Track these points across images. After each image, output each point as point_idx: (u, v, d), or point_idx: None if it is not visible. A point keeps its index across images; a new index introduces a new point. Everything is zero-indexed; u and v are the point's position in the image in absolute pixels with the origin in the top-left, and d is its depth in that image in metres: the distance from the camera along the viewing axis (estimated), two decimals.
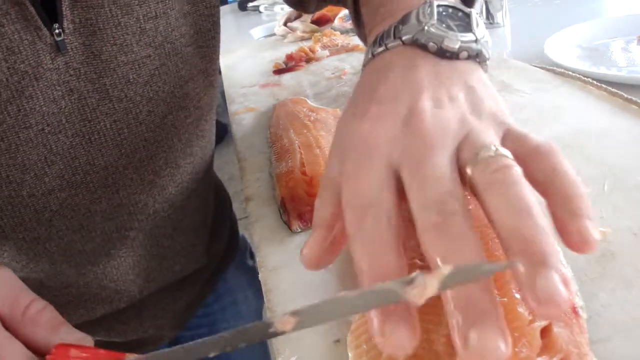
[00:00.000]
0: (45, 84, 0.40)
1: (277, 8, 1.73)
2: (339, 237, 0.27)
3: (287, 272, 0.37)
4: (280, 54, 0.99)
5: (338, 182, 0.28)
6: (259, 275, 0.38)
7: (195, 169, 0.56)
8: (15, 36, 0.38)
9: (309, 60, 0.90)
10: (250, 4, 1.93)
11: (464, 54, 0.31)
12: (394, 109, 0.28)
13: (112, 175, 0.47)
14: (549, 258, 0.21)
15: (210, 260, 0.66)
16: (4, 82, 0.38)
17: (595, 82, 0.52)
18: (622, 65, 0.64)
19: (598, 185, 0.37)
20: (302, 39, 1.11)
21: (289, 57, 0.92)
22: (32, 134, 0.41)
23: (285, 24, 1.18)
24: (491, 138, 0.26)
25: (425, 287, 0.21)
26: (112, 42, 0.42)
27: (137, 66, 0.44)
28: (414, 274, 0.21)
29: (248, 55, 1.08)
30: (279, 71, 0.88)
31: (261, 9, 1.83)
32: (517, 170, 0.24)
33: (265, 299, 0.35)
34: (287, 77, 0.84)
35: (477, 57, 0.31)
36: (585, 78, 0.54)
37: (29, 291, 0.32)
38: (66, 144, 0.43)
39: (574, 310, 0.27)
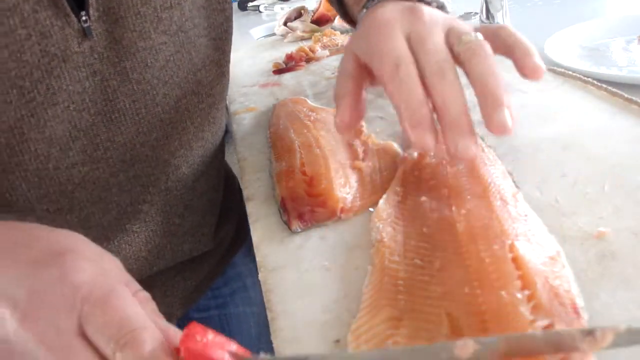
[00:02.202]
0: (72, 65, 0.44)
1: (277, 8, 1.73)
2: (362, 103, 0.40)
3: (287, 272, 0.37)
4: (280, 53, 0.99)
5: (356, 63, 0.41)
6: (259, 276, 0.38)
7: (207, 152, 0.60)
8: (47, 22, 0.41)
9: (309, 60, 0.89)
10: (250, 4, 1.93)
11: (434, 4, 0.44)
12: (397, 5, 0.41)
13: (130, 152, 0.51)
14: (503, 100, 0.34)
15: (218, 244, 0.68)
16: (35, 63, 0.42)
17: (595, 82, 0.52)
18: (622, 65, 0.64)
19: (598, 185, 0.37)
20: (302, 39, 1.11)
21: (289, 57, 0.91)
22: (59, 111, 0.44)
23: (285, 24, 1.18)
24: (468, 28, 0.39)
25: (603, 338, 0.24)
26: (132, 29, 0.46)
27: (154, 52, 0.48)
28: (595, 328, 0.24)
29: (248, 55, 1.08)
30: (279, 71, 0.88)
31: (261, 8, 1.83)
32: (488, 47, 0.37)
33: (265, 299, 0.35)
34: (287, 77, 0.84)
35: (442, 8, 0.44)
36: (586, 78, 0.54)
37: (135, 282, 0.34)
38: (89, 122, 0.47)
39: (575, 311, 0.27)
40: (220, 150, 0.64)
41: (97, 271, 0.30)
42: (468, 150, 0.34)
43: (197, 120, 0.55)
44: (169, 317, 0.66)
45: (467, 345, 0.24)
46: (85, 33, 0.43)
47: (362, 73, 0.41)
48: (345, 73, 0.41)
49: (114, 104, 0.47)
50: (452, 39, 0.38)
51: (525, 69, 0.38)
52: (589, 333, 0.24)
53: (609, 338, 0.24)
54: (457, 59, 0.37)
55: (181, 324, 0.73)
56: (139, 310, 0.28)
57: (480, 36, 0.38)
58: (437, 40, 0.37)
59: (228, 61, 0.59)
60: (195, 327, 0.27)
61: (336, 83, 0.42)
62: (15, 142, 0.43)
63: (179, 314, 0.67)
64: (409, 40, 0.38)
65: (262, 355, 0.27)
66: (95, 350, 0.27)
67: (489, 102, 0.34)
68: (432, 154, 0.41)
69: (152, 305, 0.32)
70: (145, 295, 0.32)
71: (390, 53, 0.37)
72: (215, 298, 0.73)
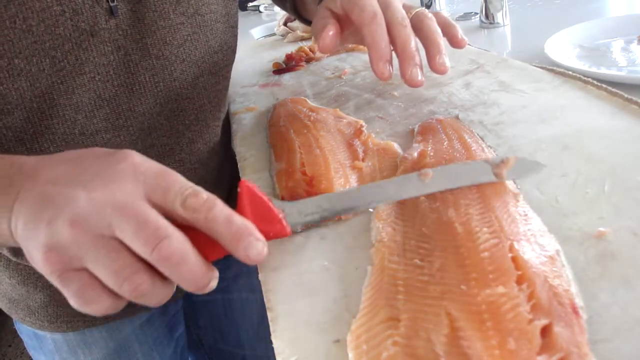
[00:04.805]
0: (99, 40, 0.49)
1: (277, 8, 1.73)
2: (339, 33, 0.53)
3: (287, 272, 0.37)
4: (280, 54, 0.99)
5: (330, 12, 0.53)
6: (259, 276, 0.38)
7: (223, 132, 0.66)
8: (79, 0, 0.46)
9: (309, 60, 0.89)
10: (250, 4, 1.93)
11: None
12: None
13: (148, 121, 0.56)
14: (443, 49, 0.51)
15: None
16: (67, 37, 0.46)
17: (595, 82, 0.52)
18: (622, 65, 0.64)
19: (598, 185, 0.37)
20: (302, 39, 1.11)
21: (289, 57, 0.91)
22: (86, 80, 0.49)
23: (285, 24, 1.18)
24: (415, 6, 0.54)
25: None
26: (153, 9, 0.51)
27: (172, 30, 0.53)
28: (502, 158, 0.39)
29: (248, 55, 1.08)
30: (278, 71, 0.88)
31: (261, 8, 1.83)
32: (432, 16, 0.52)
33: (265, 299, 0.35)
34: (287, 77, 0.84)
35: None
36: (585, 78, 0.54)
37: None
38: (112, 92, 0.52)
39: (574, 310, 0.27)
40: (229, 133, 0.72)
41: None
42: (417, 75, 0.49)
43: (215, 100, 0.61)
44: (173, 296, 0.68)
45: (427, 173, 0.37)
46: (112, 11, 0.49)
47: (336, 19, 0.53)
48: (323, 16, 0.54)
49: (135, 76, 0.52)
50: (406, 9, 0.53)
51: (453, 41, 0.54)
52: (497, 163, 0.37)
53: (512, 162, 0.37)
54: (412, 24, 0.52)
55: (186, 304, 0.75)
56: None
57: (425, 9, 0.53)
58: (399, 6, 0.52)
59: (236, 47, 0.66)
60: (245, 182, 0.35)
61: (314, 24, 0.55)
62: (46, 106, 0.48)
63: (184, 291, 0.68)
64: (378, 2, 0.52)
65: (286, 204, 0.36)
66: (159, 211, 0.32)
67: (435, 49, 0.51)
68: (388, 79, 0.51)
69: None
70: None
71: (370, 6, 0.50)
72: (221, 281, 0.74)
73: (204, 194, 0.33)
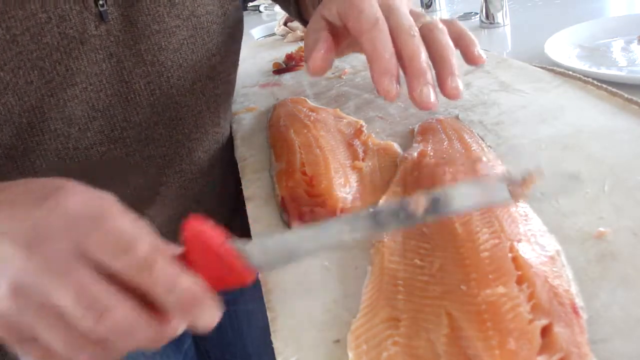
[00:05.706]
0: (89, 47, 0.46)
1: (277, 8, 1.73)
2: (333, 50, 0.44)
3: (287, 272, 0.37)
4: (280, 54, 0.99)
5: (325, 22, 0.45)
6: (259, 276, 0.38)
7: (223, 139, 0.63)
8: (66, 6, 0.44)
9: None
10: (250, 4, 1.93)
11: None
12: None
13: (145, 131, 0.53)
14: (455, 69, 0.41)
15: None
16: (55, 46, 0.44)
17: (595, 82, 0.52)
18: (622, 65, 0.64)
19: (598, 185, 0.37)
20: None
21: (289, 57, 0.91)
22: (77, 91, 0.46)
23: (285, 24, 1.18)
24: (424, 14, 0.45)
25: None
26: (146, 12, 0.49)
27: (168, 35, 0.51)
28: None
29: (248, 55, 1.08)
30: (278, 71, 0.88)
31: (261, 8, 1.83)
32: (444, 28, 0.42)
33: (265, 299, 0.35)
34: (287, 77, 0.84)
35: None
36: (586, 78, 0.54)
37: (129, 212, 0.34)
38: (106, 102, 0.49)
39: (575, 310, 0.27)
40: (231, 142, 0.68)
41: (89, 196, 0.30)
42: (429, 96, 0.39)
43: (213, 105, 0.58)
44: None
45: (420, 200, 0.30)
46: (101, 16, 0.46)
47: (331, 30, 0.45)
48: (316, 27, 0.45)
49: (129, 85, 0.50)
50: (413, 17, 0.44)
51: (468, 56, 0.45)
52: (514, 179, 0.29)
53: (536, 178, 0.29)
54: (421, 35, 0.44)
55: None
56: (132, 224, 0.29)
57: (434, 19, 0.45)
58: (406, 11, 0.43)
59: (239, 50, 0.62)
60: (197, 216, 0.29)
61: (306, 37, 0.47)
62: (36, 121, 0.45)
63: None
64: (381, 8, 0.43)
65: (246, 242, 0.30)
66: (97, 266, 0.28)
67: (447, 70, 0.41)
68: (395, 99, 0.42)
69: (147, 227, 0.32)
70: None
71: (370, 11, 0.41)
72: (226, 293, 0.74)
73: (141, 249, 0.28)
